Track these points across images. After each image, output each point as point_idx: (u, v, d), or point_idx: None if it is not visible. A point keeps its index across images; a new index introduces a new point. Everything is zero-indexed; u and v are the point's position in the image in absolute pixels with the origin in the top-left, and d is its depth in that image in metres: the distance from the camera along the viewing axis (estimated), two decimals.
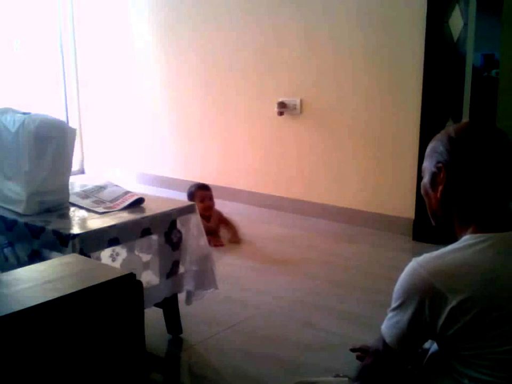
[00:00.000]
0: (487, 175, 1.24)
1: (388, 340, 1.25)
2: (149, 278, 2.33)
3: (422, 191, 1.37)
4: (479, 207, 1.25)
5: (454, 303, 1.15)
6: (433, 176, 1.30)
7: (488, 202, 1.25)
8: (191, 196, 4.01)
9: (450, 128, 1.31)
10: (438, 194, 1.30)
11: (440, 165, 1.28)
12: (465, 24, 3.60)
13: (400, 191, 3.98)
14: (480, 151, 1.24)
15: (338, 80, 4.18)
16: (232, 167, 4.90)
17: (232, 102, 4.79)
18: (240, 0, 4.60)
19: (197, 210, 2.45)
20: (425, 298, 1.18)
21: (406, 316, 1.20)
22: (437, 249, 1.24)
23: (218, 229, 3.99)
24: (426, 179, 1.34)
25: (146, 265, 2.35)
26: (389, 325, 1.25)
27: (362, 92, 4.08)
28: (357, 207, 4.20)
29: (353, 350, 1.57)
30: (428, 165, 1.33)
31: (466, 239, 1.23)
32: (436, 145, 1.31)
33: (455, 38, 3.63)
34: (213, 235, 3.80)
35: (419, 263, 1.22)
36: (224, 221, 4.02)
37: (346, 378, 1.50)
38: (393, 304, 1.25)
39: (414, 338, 1.24)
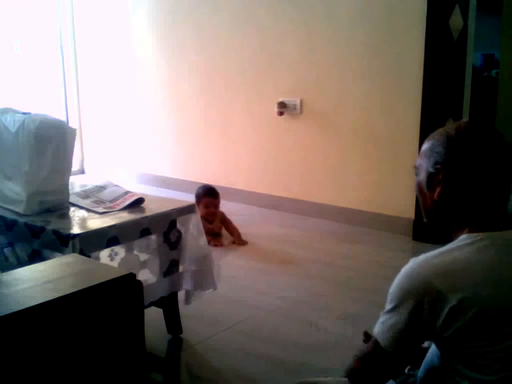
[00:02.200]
0: (486, 177, 1.23)
1: (383, 343, 1.22)
2: (145, 276, 2.33)
3: (416, 189, 1.35)
4: (476, 208, 1.24)
5: (453, 302, 1.14)
6: (430, 177, 1.28)
7: (486, 204, 1.24)
8: (198, 197, 4.00)
9: (449, 128, 1.29)
10: (436, 195, 1.28)
11: (438, 166, 1.26)
12: (465, 24, 3.60)
13: (400, 191, 3.98)
14: (480, 154, 1.23)
15: (338, 80, 4.18)
16: (232, 167, 4.89)
17: (232, 102, 4.79)
18: (240, 0, 4.61)
19: (197, 211, 2.46)
20: (424, 298, 1.16)
21: (403, 316, 1.19)
22: (437, 249, 1.24)
23: (221, 231, 3.99)
24: (421, 178, 1.32)
25: (143, 264, 2.35)
26: (384, 328, 1.23)
27: (362, 91, 4.08)
28: (357, 207, 4.20)
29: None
30: (424, 164, 1.30)
31: (463, 238, 1.22)
32: (434, 145, 1.28)
33: (455, 38, 3.63)
34: (214, 236, 3.81)
35: (418, 263, 1.21)
36: (226, 223, 4.01)
37: (347, 379, 1.50)
38: (388, 306, 1.23)
39: (411, 339, 1.22)
